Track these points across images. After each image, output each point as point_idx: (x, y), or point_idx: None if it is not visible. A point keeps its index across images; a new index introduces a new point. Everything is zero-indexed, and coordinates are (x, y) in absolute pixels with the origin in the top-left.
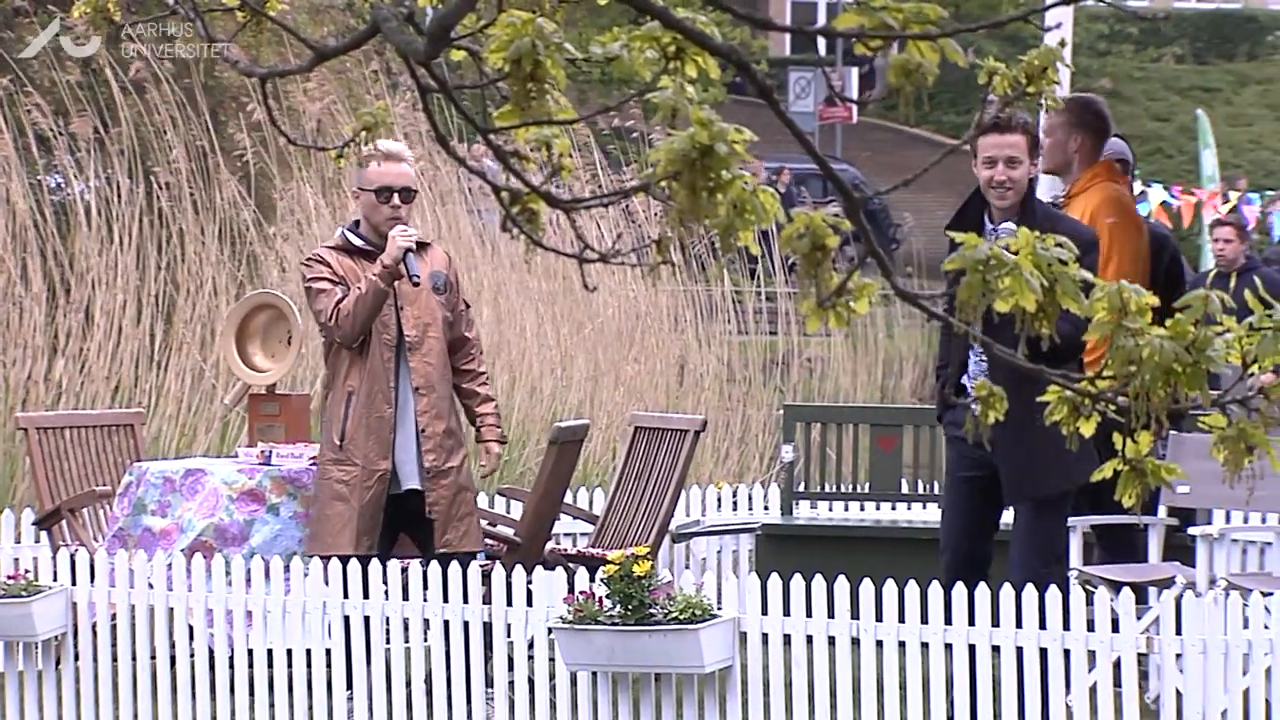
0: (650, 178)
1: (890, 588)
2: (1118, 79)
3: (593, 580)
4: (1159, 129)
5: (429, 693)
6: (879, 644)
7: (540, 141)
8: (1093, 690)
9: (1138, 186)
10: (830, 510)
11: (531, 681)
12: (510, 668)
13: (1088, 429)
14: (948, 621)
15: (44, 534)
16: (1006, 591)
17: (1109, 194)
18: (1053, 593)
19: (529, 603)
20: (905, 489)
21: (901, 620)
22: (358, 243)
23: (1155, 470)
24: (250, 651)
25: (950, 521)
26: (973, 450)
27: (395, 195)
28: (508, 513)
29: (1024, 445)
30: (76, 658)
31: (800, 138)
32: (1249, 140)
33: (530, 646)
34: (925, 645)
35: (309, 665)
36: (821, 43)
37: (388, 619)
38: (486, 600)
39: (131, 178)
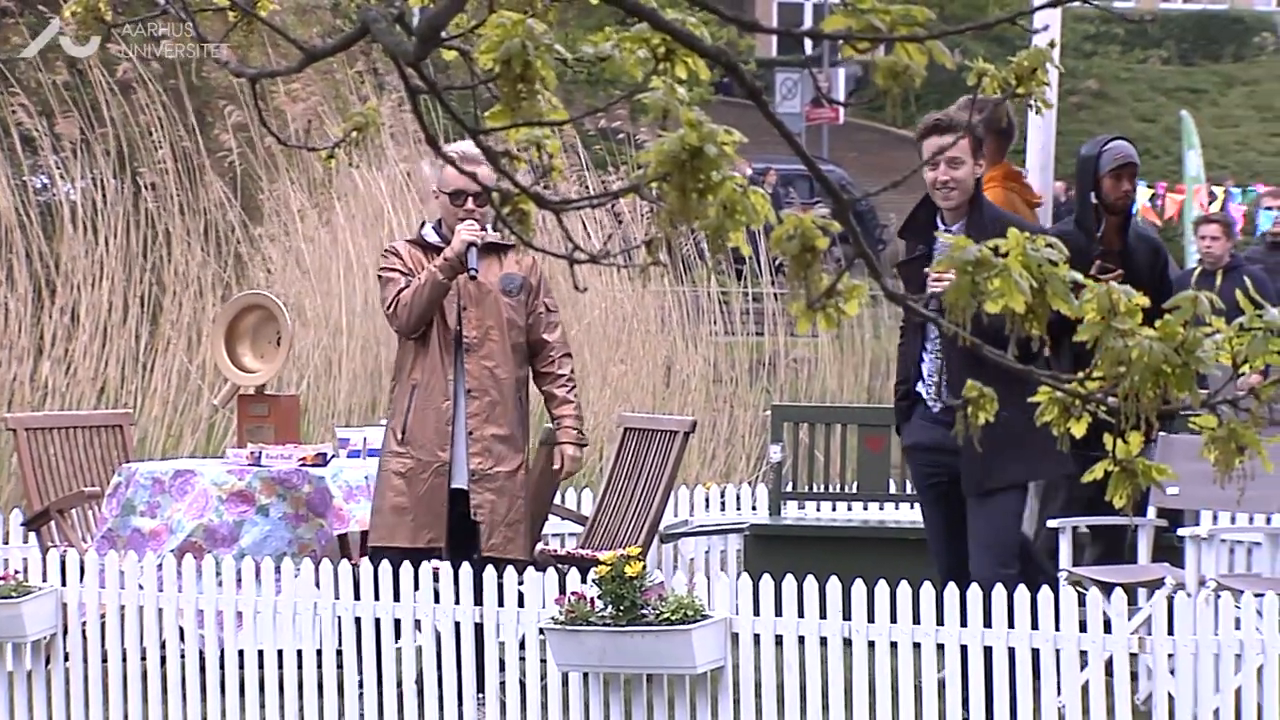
0: (640, 179)
1: (882, 588)
2: (1104, 80)
3: (584, 581)
4: (1145, 130)
5: (420, 694)
6: (871, 644)
7: (531, 141)
8: (1084, 691)
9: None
10: (818, 510)
11: (523, 683)
12: (501, 669)
13: (1079, 429)
14: (939, 622)
15: (33, 535)
16: (999, 593)
17: (1003, 198)
18: (1044, 594)
19: (520, 604)
20: (893, 489)
21: (893, 621)
22: (432, 239)
23: (1146, 471)
24: (241, 652)
25: (932, 531)
26: (929, 456)
27: (470, 199)
28: None
29: (986, 437)
30: (66, 658)
31: (789, 139)
32: (1235, 141)
33: (521, 647)
34: (917, 646)
35: (300, 666)
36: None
37: (378, 620)
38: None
39: (118, 178)
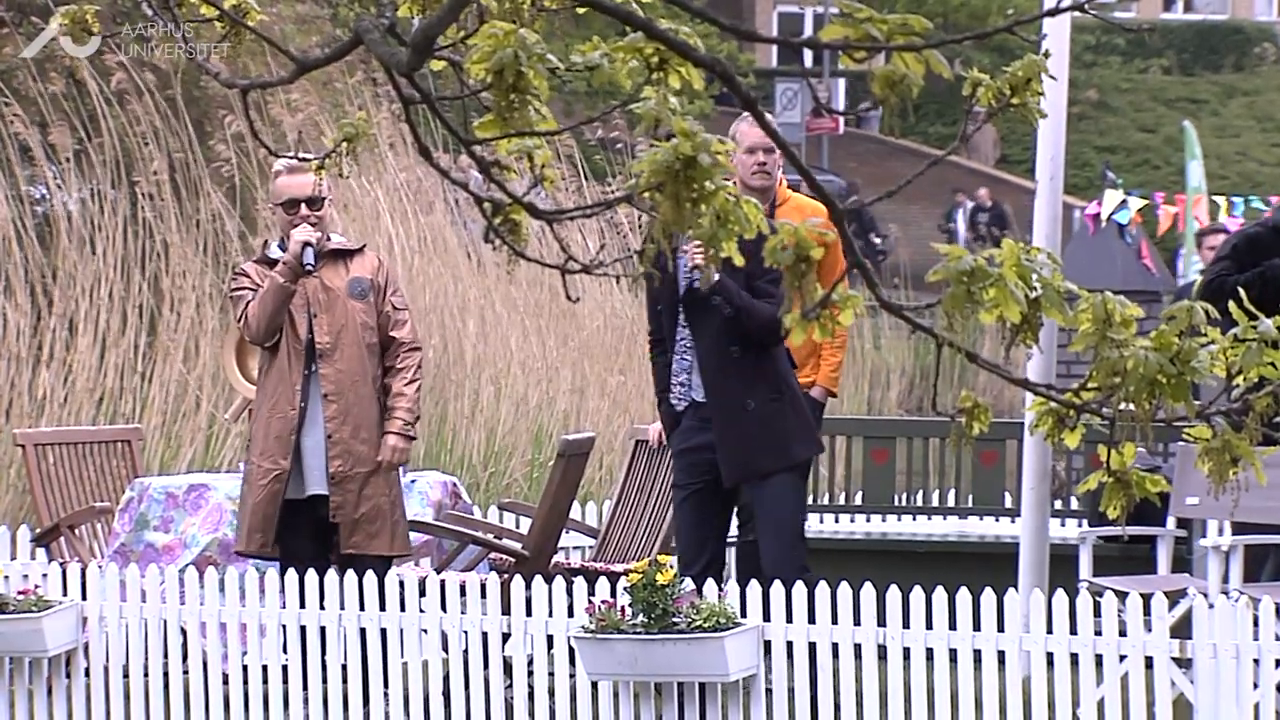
0: (634, 188)
1: (918, 595)
2: (1105, 90)
3: (593, 594)
4: (1146, 140)
5: (447, 705)
6: (906, 651)
7: (522, 151)
8: (1124, 692)
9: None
10: (822, 522)
11: (552, 692)
12: (529, 677)
13: (1072, 440)
14: (976, 628)
15: (42, 550)
16: (1037, 598)
17: (812, 206)
18: (1082, 599)
19: (549, 614)
20: (898, 501)
21: (929, 627)
22: (276, 254)
23: (1140, 482)
24: (265, 667)
25: (688, 535)
26: (699, 456)
27: (301, 205)
28: (501, 523)
29: (739, 428)
30: (87, 673)
31: (784, 148)
32: (1236, 151)
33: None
34: (953, 652)
35: (324, 680)
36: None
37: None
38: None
39: (115, 188)
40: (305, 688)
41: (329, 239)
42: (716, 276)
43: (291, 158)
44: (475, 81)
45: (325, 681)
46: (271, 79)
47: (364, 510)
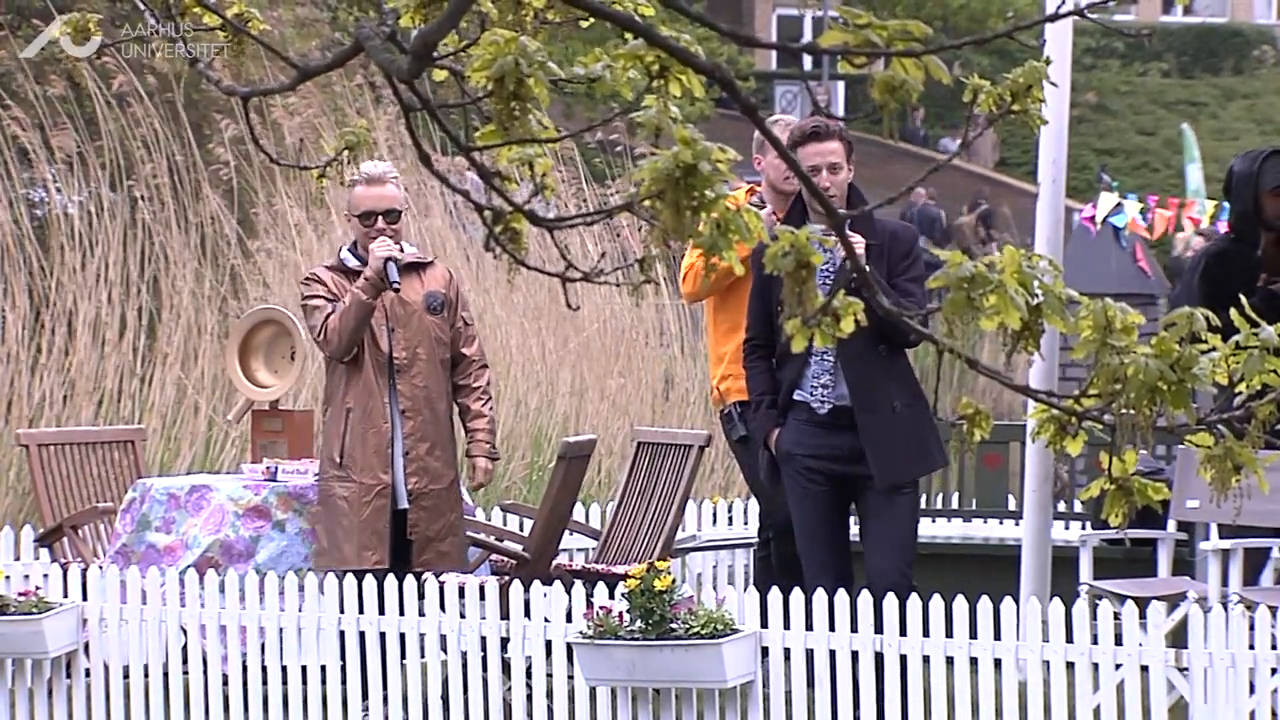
0: (634, 196)
1: (914, 601)
2: (1104, 93)
3: (593, 596)
4: (1145, 143)
5: (445, 709)
6: (903, 658)
7: (523, 160)
8: (1120, 700)
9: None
10: None
11: (550, 697)
12: (527, 681)
13: (1074, 448)
14: (972, 635)
15: (45, 551)
16: (1032, 606)
17: None
18: (1079, 606)
19: (546, 618)
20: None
21: (925, 635)
22: (352, 263)
23: (1142, 489)
24: (265, 668)
25: (827, 544)
26: (820, 464)
27: (379, 219)
28: (504, 525)
29: (889, 431)
30: (87, 674)
31: (782, 153)
32: (1234, 154)
33: (548, 657)
34: (950, 659)
35: (324, 682)
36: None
37: (402, 635)
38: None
39: (114, 190)
40: (305, 690)
41: (403, 251)
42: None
43: (292, 165)
44: (476, 89)
45: (324, 684)
46: (272, 85)
47: (436, 528)
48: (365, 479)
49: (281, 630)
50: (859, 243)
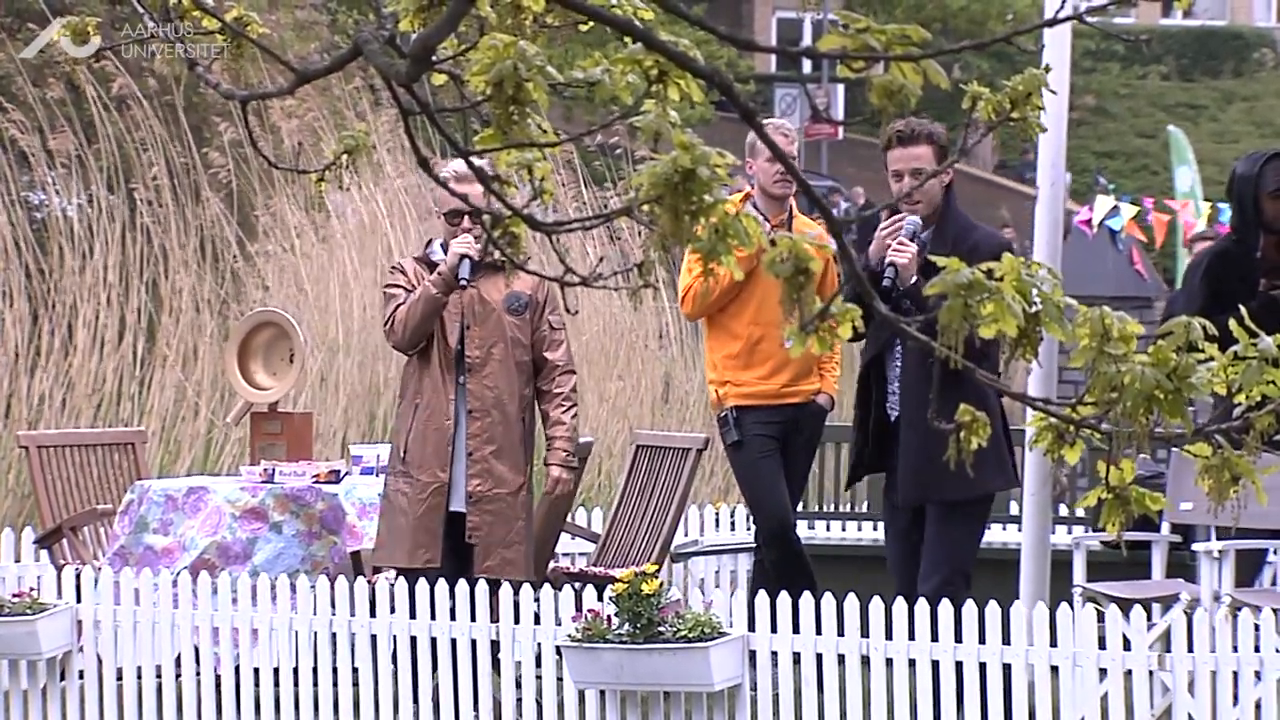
0: (633, 201)
1: (900, 605)
2: (1104, 96)
3: (600, 599)
4: (1144, 146)
5: (436, 711)
6: (889, 662)
7: (522, 164)
8: (1103, 708)
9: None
10: (828, 530)
11: (539, 700)
12: (517, 687)
13: (1072, 456)
14: (958, 639)
15: (44, 553)
16: (1017, 609)
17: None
18: (1063, 611)
19: (536, 621)
20: None
21: (911, 638)
22: (437, 256)
23: (1139, 498)
24: (256, 670)
25: (913, 558)
26: (889, 476)
27: (465, 218)
28: None
29: (925, 449)
30: (81, 675)
31: (783, 160)
32: (1234, 157)
33: (537, 664)
34: (935, 663)
35: (315, 684)
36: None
37: (394, 638)
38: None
39: (113, 193)
40: (296, 692)
41: (483, 248)
42: (914, 279)
43: (290, 169)
44: (475, 93)
45: (316, 685)
46: (271, 89)
47: (500, 534)
48: (423, 476)
49: (273, 632)
50: (909, 252)
